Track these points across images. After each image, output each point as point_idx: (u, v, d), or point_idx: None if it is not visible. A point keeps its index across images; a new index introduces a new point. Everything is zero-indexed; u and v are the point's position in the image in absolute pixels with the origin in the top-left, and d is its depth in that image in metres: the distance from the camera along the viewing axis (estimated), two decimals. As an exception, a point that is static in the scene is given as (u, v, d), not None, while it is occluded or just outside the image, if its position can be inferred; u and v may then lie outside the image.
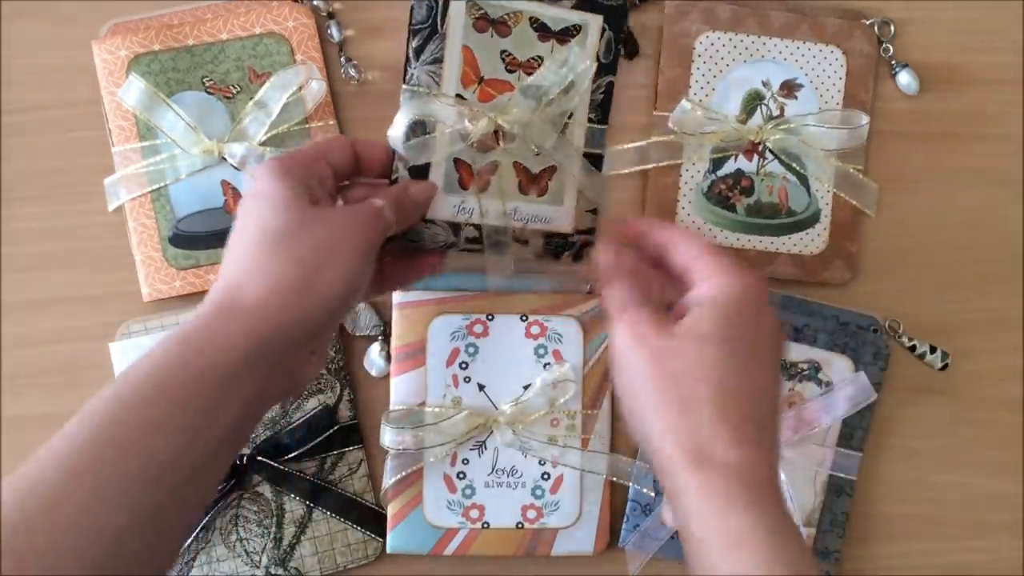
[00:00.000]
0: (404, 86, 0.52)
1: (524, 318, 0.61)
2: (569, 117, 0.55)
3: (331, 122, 0.62)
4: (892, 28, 0.64)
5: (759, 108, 0.63)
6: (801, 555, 0.40)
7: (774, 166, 0.63)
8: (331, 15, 0.62)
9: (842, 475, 0.62)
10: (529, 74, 0.54)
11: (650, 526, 0.61)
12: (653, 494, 0.61)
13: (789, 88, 0.63)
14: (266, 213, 0.45)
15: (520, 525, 0.61)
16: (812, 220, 0.63)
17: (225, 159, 0.60)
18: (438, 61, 0.52)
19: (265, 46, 0.61)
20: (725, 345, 0.44)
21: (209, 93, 0.61)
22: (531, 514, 0.61)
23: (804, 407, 0.61)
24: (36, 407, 0.61)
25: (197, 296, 0.61)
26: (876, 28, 0.64)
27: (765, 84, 0.63)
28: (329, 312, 0.45)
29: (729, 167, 0.63)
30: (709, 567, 0.41)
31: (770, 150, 0.63)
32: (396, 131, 0.52)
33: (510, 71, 0.54)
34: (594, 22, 0.54)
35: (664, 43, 0.63)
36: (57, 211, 0.62)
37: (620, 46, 0.55)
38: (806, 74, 0.63)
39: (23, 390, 0.61)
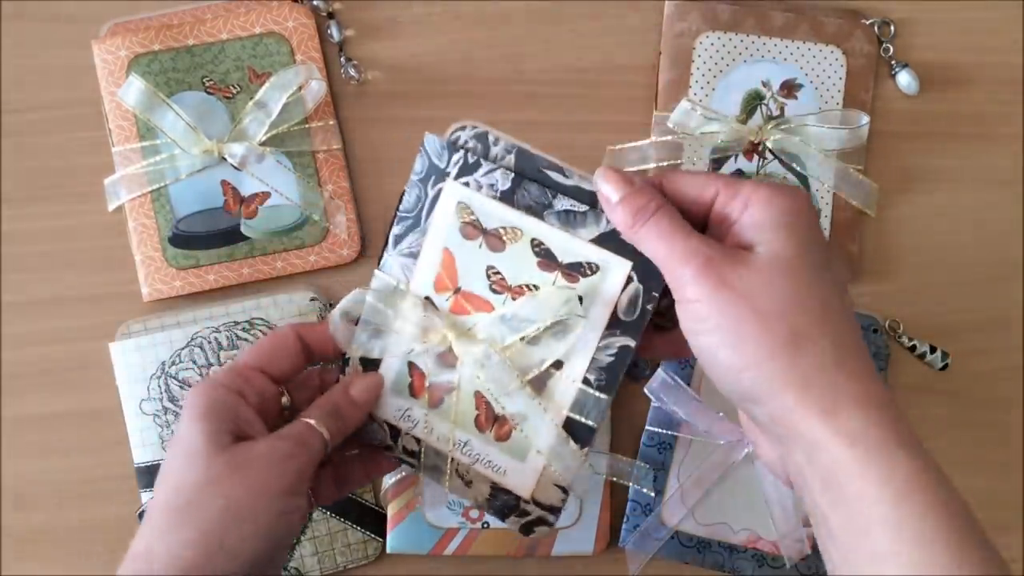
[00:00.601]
0: (376, 271, 0.48)
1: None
2: (558, 367, 0.45)
3: (331, 122, 0.62)
4: (892, 28, 0.64)
5: (759, 108, 0.63)
6: (959, 500, 0.37)
7: (774, 166, 0.63)
8: (331, 15, 0.62)
9: (842, 475, 0.62)
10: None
11: (650, 526, 0.61)
12: (653, 494, 0.61)
13: (789, 88, 0.63)
14: (177, 468, 0.43)
15: (520, 525, 0.61)
16: (812, 220, 0.63)
17: (225, 159, 0.60)
18: (414, 256, 0.47)
19: (265, 46, 0.61)
20: (811, 269, 0.39)
21: (209, 93, 0.61)
22: (531, 514, 0.61)
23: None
24: (36, 407, 0.61)
25: (197, 296, 0.61)
26: (876, 28, 0.64)
27: (765, 84, 0.63)
28: (252, 565, 0.42)
29: (729, 167, 0.63)
30: (863, 527, 0.37)
31: (770, 150, 0.63)
32: (347, 308, 0.48)
33: (495, 292, 0.45)
34: (618, 267, 0.44)
35: (664, 43, 0.63)
36: (57, 211, 0.62)
37: (650, 307, 0.44)
38: (806, 74, 0.63)
39: (23, 390, 0.61)
